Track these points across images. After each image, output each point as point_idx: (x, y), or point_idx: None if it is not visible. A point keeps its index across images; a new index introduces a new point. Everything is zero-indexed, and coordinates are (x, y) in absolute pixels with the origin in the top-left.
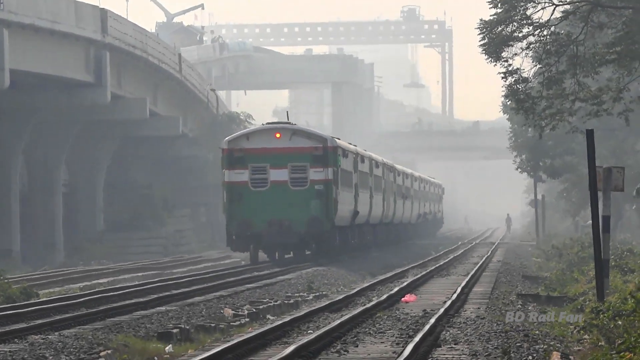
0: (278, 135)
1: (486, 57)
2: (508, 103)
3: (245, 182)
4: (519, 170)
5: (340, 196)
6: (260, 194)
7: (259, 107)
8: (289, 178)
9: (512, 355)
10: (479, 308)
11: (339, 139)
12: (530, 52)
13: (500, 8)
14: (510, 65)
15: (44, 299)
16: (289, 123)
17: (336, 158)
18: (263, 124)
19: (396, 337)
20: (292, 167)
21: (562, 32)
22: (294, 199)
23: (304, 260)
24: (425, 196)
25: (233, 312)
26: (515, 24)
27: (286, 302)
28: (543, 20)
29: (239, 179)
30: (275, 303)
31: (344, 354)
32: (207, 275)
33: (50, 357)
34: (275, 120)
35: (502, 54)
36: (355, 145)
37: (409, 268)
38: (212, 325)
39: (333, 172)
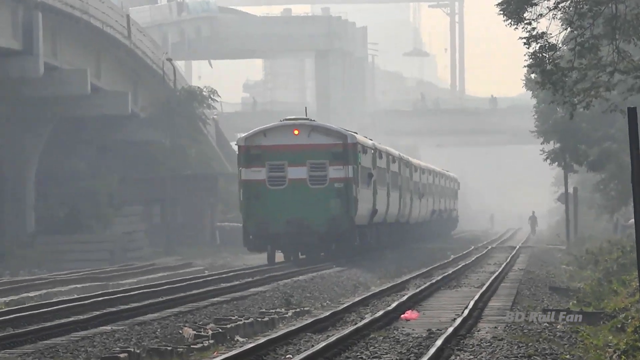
0: (296, 131)
1: (505, 18)
2: (532, 76)
3: (262, 180)
4: (548, 160)
5: (360, 194)
6: (278, 192)
7: (226, 80)
8: (308, 176)
9: None
10: (496, 327)
11: (356, 133)
12: (559, 12)
13: None
14: (534, 29)
15: None
16: (308, 119)
17: (356, 155)
18: (281, 120)
19: None
20: (310, 165)
21: None
22: (313, 198)
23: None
24: (441, 192)
25: (194, 332)
26: None
27: (259, 319)
28: None
29: (256, 177)
30: (247, 321)
31: None
32: (162, 287)
33: None
34: (248, 95)
35: (525, 15)
36: (371, 140)
37: (411, 278)
38: (169, 348)
39: (353, 170)
